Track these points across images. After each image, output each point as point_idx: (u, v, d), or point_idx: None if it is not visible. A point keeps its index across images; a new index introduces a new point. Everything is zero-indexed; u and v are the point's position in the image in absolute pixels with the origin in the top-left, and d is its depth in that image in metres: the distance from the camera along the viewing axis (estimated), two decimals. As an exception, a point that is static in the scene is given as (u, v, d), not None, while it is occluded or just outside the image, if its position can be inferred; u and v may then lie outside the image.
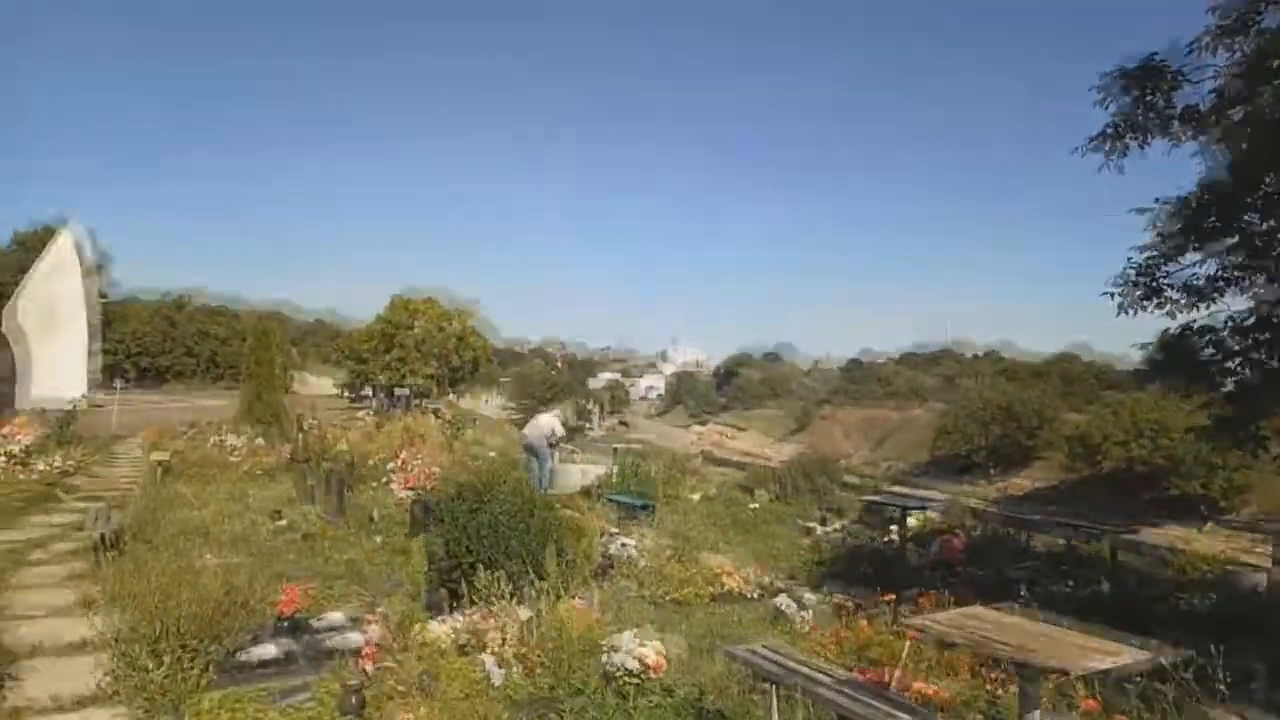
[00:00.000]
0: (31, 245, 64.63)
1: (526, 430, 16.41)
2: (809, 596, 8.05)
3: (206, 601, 6.16)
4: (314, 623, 6.43)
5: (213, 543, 9.09)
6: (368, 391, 63.51)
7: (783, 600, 7.23)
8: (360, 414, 42.62)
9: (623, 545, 8.90)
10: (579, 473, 15.42)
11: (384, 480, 14.56)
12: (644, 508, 10.74)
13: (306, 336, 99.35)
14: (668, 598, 7.74)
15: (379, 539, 9.87)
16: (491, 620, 6.06)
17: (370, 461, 16.86)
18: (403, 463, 16.26)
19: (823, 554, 10.43)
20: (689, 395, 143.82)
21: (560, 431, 16.86)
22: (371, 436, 21.87)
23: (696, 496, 13.76)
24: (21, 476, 13.60)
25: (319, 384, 68.34)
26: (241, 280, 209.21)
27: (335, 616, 6.58)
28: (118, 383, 32.51)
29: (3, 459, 14.14)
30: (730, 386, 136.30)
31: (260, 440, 19.16)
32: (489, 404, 69.20)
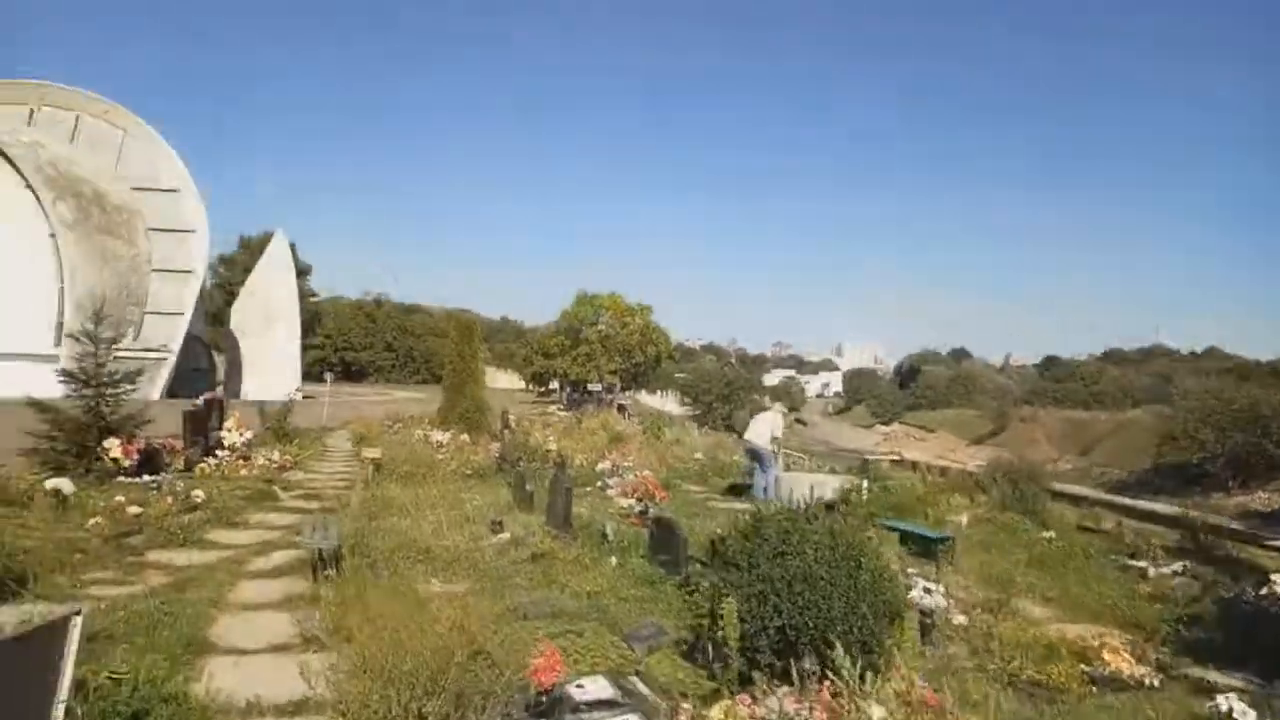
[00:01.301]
0: (253, 249, 70.62)
1: (749, 433, 14.67)
2: (1231, 685, 5.72)
3: (441, 651, 4.84)
4: (573, 691, 4.93)
5: (434, 562, 7.96)
6: (553, 386, 64.62)
7: (1227, 704, 4.92)
8: (550, 409, 42.81)
9: (926, 591, 6.92)
10: (809, 484, 13.49)
11: (598, 485, 13.29)
12: (940, 540, 8.68)
13: (491, 335, 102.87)
14: (1022, 675, 5.70)
15: (614, 560, 8.43)
16: (822, 714, 4.32)
17: (578, 461, 15.76)
18: (613, 465, 15.01)
19: (1179, 607, 7.94)
20: (869, 394, 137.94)
21: (780, 433, 15.03)
22: (572, 434, 20.97)
23: (964, 518, 11.49)
24: (243, 471, 13.37)
25: (506, 380, 70.20)
26: (421, 288, 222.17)
27: (599, 686, 5.05)
28: (327, 376, 33.77)
29: (226, 453, 14.01)
30: (915, 386, 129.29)
31: (465, 437, 18.59)
32: (666, 401, 68.45)
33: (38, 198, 41.24)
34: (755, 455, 14.24)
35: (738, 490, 15.30)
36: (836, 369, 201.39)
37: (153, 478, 11.39)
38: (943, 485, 15.27)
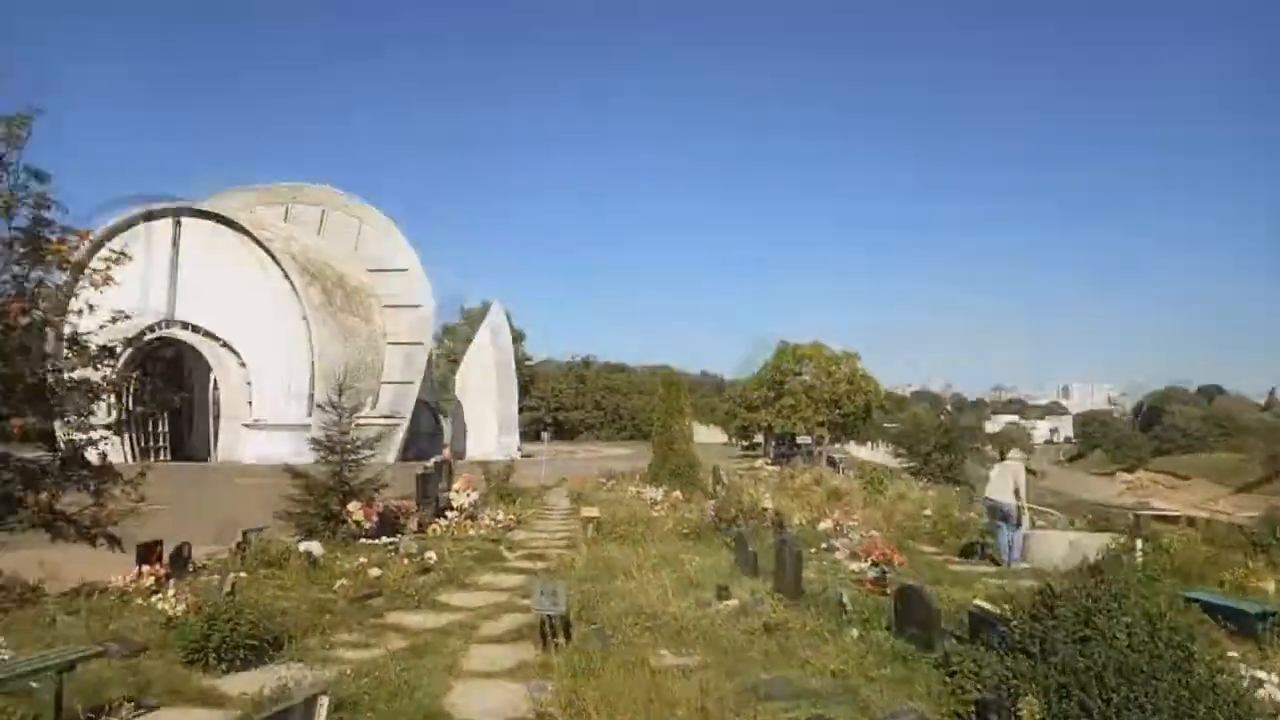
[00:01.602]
0: (473, 319, 75.89)
1: (989, 488, 13.27)
2: None
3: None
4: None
5: (662, 630, 7.53)
6: (758, 440, 63.67)
7: None
8: (757, 463, 41.99)
9: (1253, 680, 5.56)
10: (1066, 544, 11.90)
11: (823, 546, 12.44)
12: (1264, 617, 7.16)
13: (691, 390, 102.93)
14: None
15: (854, 632, 7.62)
16: None
17: (796, 520, 14.96)
18: (835, 524, 14.09)
19: None
20: (1105, 439, 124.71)
21: (1024, 486, 13.47)
22: (785, 490, 20.15)
23: (1270, 585, 9.56)
24: (470, 532, 13.78)
25: (709, 434, 70.05)
26: (624, 346, 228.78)
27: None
28: (544, 436, 35.02)
29: (455, 514, 14.53)
30: (1159, 427, 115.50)
31: (678, 493, 18.33)
32: (877, 452, 65.21)
33: (293, 285, 46.59)
34: (997, 512, 12.82)
35: (976, 551, 13.85)
36: (1065, 412, 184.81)
37: (390, 539, 11.93)
38: (1226, 543, 13.00)
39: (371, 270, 54.03)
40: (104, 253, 10.23)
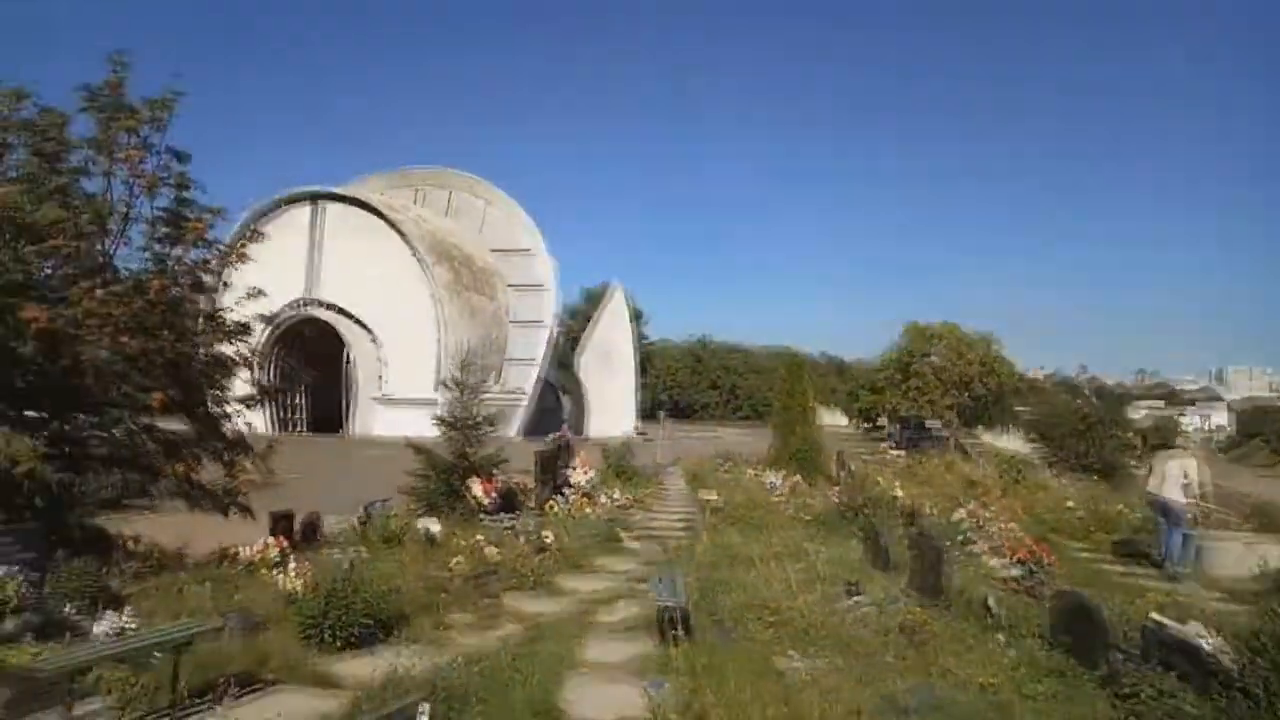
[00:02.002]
0: (593, 298, 76.58)
1: (1152, 481, 11.98)
2: None
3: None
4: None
5: (786, 627, 7.02)
6: (881, 423, 61.50)
7: None
8: (881, 447, 40.41)
9: None
10: (1243, 550, 10.59)
11: (958, 539, 11.54)
12: None
13: (810, 371, 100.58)
14: None
15: (1001, 639, 6.89)
16: None
17: (928, 510, 14.04)
18: (971, 516, 13.13)
19: None
20: (1269, 430, 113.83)
21: (1197, 481, 12.11)
22: (915, 478, 19.10)
23: None
24: (588, 511, 13.60)
25: (830, 417, 68.21)
26: (744, 326, 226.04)
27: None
28: (661, 415, 34.82)
29: (573, 492, 14.40)
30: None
31: (799, 478, 17.63)
32: (1009, 439, 61.75)
33: (422, 264, 48.16)
34: (1164, 509, 11.54)
35: (1130, 550, 12.59)
36: (1219, 399, 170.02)
37: (509, 517, 11.87)
38: None
39: (496, 251, 55.31)
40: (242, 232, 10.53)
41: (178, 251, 9.39)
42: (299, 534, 11.77)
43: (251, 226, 50.26)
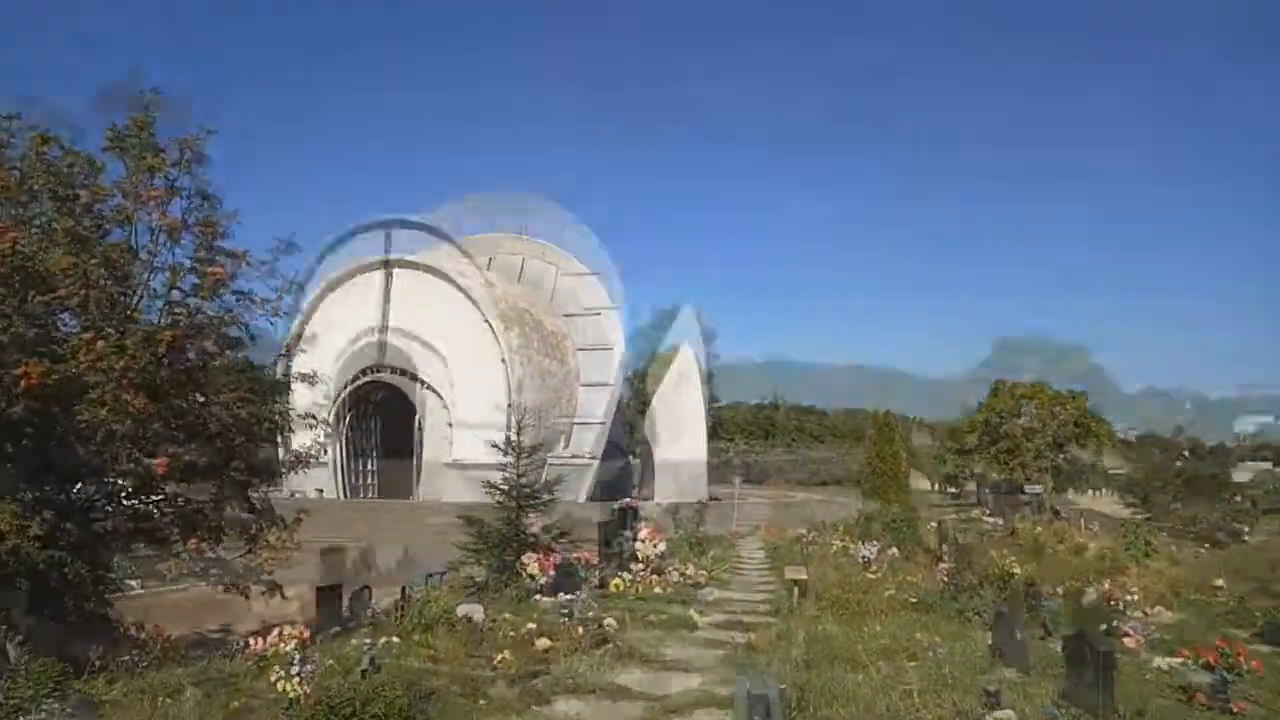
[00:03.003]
0: (665, 319, 75.39)
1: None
2: None
3: None
4: None
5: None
6: (969, 488, 58.06)
7: None
8: (973, 513, 37.71)
9: None
10: None
11: (1102, 629, 9.63)
12: None
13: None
14: None
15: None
16: None
17: (1055, 588, 12.14)
18: (1107, 598, 11.21)
19: None
20: None
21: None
22: (1023, 549, 17.01)
23: None
24: (657, 589, 12.11)
25: (912, 480, 64.94)
26: (815, 348, 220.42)
27: None
28: (735, 480, 33.03)
29: (640, 566, 12.94)
30: None
31: (894, 551, 15.79)
32: (1101, 500, 57.43)
33: (493, 330, 47.91)
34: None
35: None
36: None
37: (566, 597, 10.45)
38: None
39: (566, 315, 54.94)
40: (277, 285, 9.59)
41: (197, 302, 8.50)
42: (346, 610, 10.66)
43: (330, 296, 49.91)
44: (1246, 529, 37.05)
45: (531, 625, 8.46)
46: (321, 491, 50.44)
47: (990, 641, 8.41)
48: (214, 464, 8.51)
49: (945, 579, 11.89)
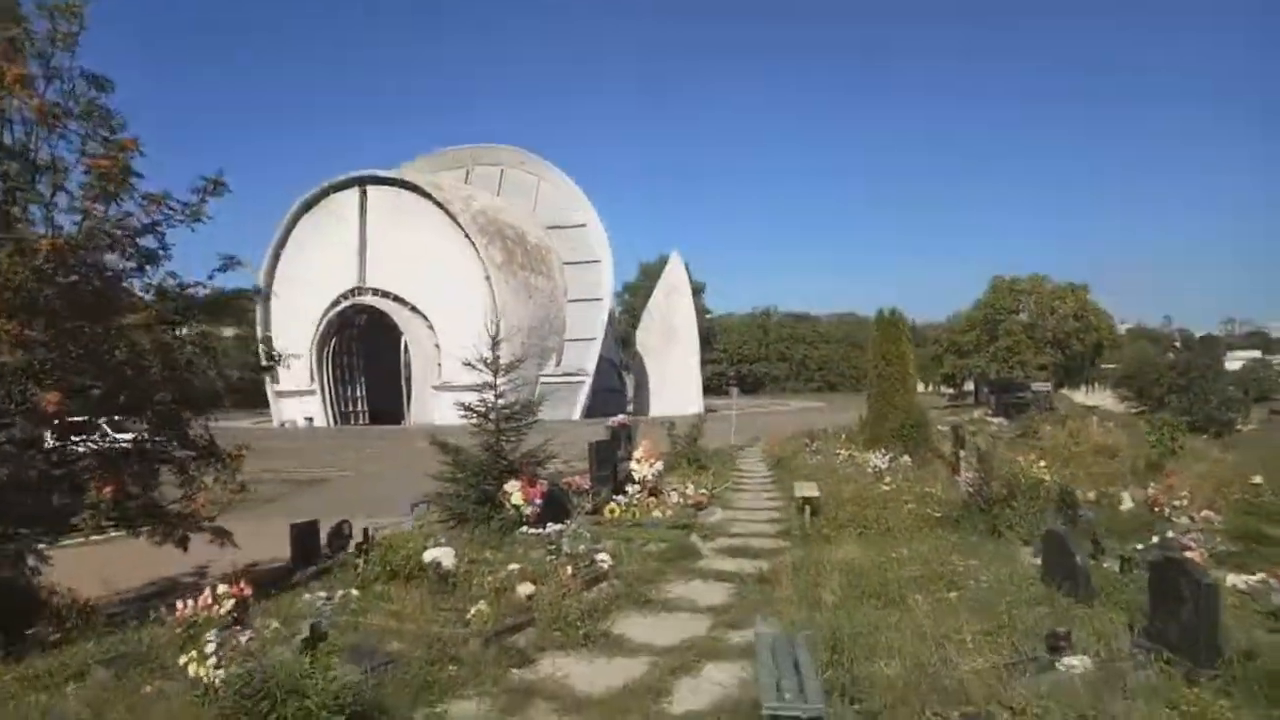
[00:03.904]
0: (651, 273, 73.87)
1: None
2: None
3: None
4: None
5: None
6: (968, 388, 57.47)
7: None
8: (975, 415, 36.93)
9: None
10: None
11: (1152, 541, 8.62)
12: None
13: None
14: None
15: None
16: None
17: (1091, 495, 11.17)
18: (1152, 503, 10.24)
19: None
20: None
21: None
22: (1034, 450, 15.99)
23: None
24: (655, 513, 11.12)
25: (909, 383, 64.16)
26: (808, 293, 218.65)
27: None
28: (732, 390, 32.02)
29: (635, 488, 11.92)
30: None
31: (907, 459, 14.82)
32: (1098, 397, 56.95)
33: (474, 245, 46.12)
34: None
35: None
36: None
37: (556, 527, 9.42)
38: None
39: (550, 228, 53.05)
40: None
41: (100, 208, 7.07)
42: (326, 547, 9.66)
43: (303, 220, 48.24)
44: (1239, 418, 36.60)
45: (514, 566, 7.41)
46: (311, 420, 49.76)
47: (1039, 563, 7.39)
48: (133, 398, 7.29)
49: (970, 489, 10.88)
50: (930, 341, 58.50)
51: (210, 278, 8.05)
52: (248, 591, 6.32)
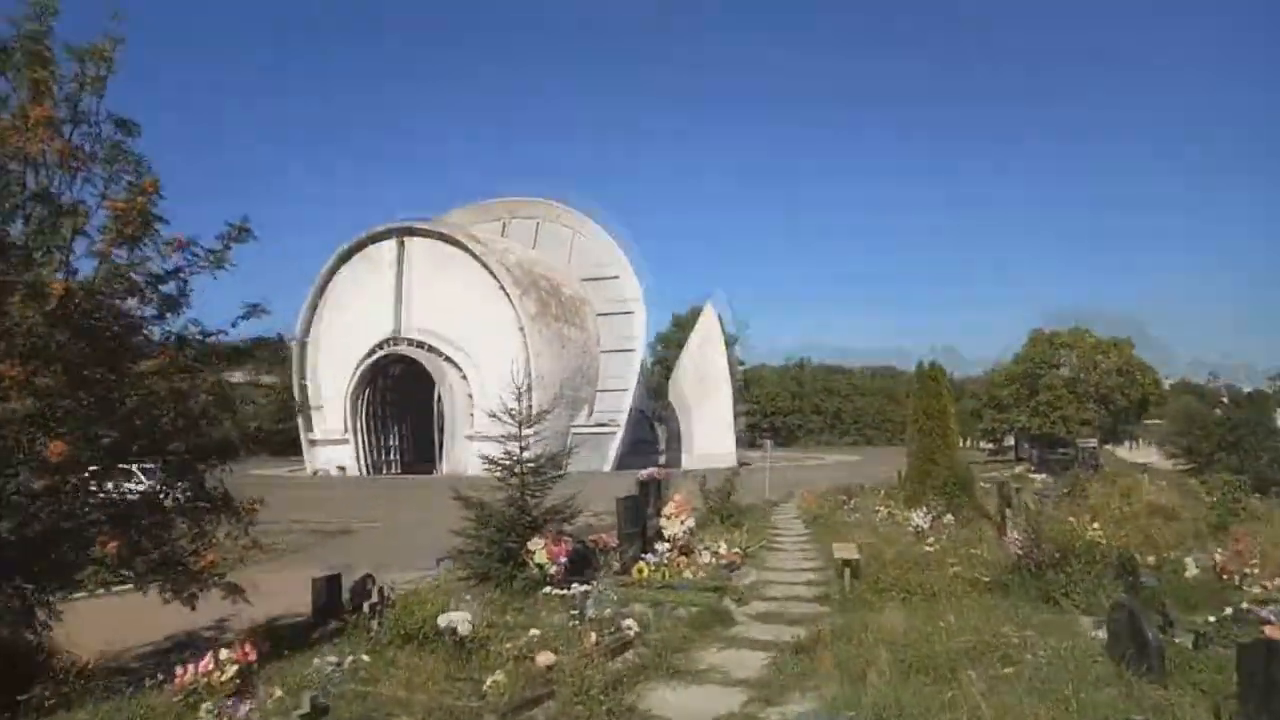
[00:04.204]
0: (684, 323, 73.69)
1: None
2: None
3: None
4: None
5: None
6: (1008, 443, 56.06)
7: None
8: (1017, 471, 35.86)
9: None
10: None
11: (1226, 614, 7.96)
12: None
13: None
14: None
15: None
16: None
17: (1151, 560, 10.49)
18: (1222, 571, 9.58)
19: None
20: None
21: None
22: (1082, 510, 15.23)
23: None
24: (686, 573, 10.62)
25: (948, 436, 62.88)
26: (850, 334, 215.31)
27: None
28: (766, 443, 31.39)
29: (666, 546, 11.44)
30: None
31: (949, 517, 14.17)
32: (1141, 453, 55.18)
33: (509, 297, 46.40)
34: None
35: None
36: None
37: (582, 587, 8.97)
38: None
39: (585, 279, 53.29)
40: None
41: (122, 254, 6.95)
42: (348, 604, 9.33)
43: (342, 270, 49.07)
44: (1287, 475, 35.01)
45: (535, 632, 6.98)
46: (344, 469, 49.81)
47: (1101, 636, 6.80)
48: (145, 447, 7.08)
49: (1019, 551, 10.25)
50: (968, 395, 57.30)
51: (234, 325, 7.90)
52: (252, 656, 5.98)
